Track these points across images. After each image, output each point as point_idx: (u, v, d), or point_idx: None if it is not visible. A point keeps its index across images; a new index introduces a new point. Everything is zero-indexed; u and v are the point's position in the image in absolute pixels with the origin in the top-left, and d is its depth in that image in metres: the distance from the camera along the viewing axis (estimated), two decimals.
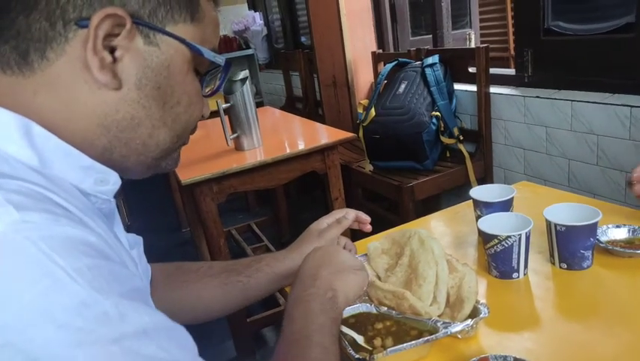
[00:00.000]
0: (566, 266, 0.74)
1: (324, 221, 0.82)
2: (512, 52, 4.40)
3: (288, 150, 1.66)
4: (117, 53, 0.43)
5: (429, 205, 2.34)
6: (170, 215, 3.19)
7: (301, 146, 1.70)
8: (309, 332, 0.56)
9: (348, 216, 0.83)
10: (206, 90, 0.53)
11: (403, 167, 2.09)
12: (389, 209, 2.24)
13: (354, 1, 2.55)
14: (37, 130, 0.42)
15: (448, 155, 2.14)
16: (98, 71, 0.43)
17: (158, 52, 0.45)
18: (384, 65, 2.39)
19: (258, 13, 4.08)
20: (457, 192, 2.26)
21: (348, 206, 1.82)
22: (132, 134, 0.47)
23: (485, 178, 2.09)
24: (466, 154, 2.04)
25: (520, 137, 1.93)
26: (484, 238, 0.74)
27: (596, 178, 1.68)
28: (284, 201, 2.70)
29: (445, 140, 2.07)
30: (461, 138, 2.06)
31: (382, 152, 2.11)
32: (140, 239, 0.67)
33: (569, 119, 1.72)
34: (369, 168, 2.18)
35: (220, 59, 0.50)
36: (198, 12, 0.47)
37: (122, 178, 0.50)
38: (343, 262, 0.66)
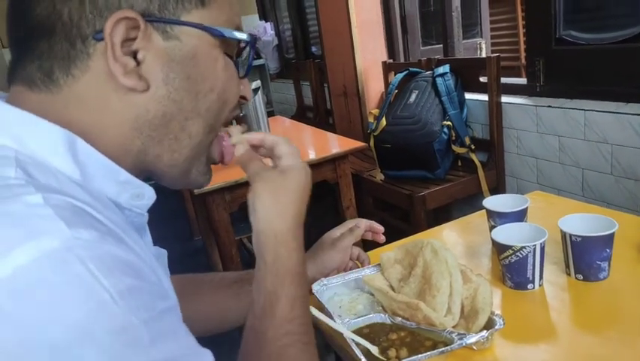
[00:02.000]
0: (582, 277, 0.73)
1: (337, 231, 0.82)
2: (523, 61, 4.39)
3: None
4: (139, 56, 0.44)
5: (440, 215, 2.33)
6: (182, 224, 3.21)
7: (312, 155, 1.70)
8: (291, 313, 0.54)
9: (360, 224, 0.83)
10: (242, 72, 0.52)
11: (415, 176, 2.09)
12: (400, 218, 2.23)
13: (364, 12, 2.56)
14: (80, 145, 0.43)
15: (459, 164, 2.14)
16: (123, 77, 0.43)
17: (180, 44, 0.45)
18: (395, 74, 2.39)
19: (269, 23, 4.12)
20: (469, 202, 2.25)
21: (360, 215, 1.82)
22: (164, 130, 0.47)
23: (497, 188, 2.08)
24: (478, 163, 2.03)
25: (532, 146, 1.92)
26: (499, 248, 0.74)
27: (610, 188, 1.67)
28: None
29: (457, 149, 2.07)
30: (473, 147, 2.06)
31: (393, 161, 2.12)
32: (164, 252, 0.68)
33: (582, 128, 1.70)
34: (380, 177, 2.18)
35: (243, 35, 0.49)
36: None
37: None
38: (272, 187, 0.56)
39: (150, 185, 0.51)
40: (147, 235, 0.56)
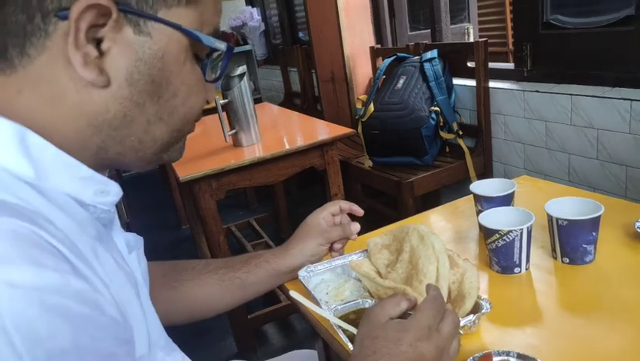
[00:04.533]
0: (568, 261, 0.73)
1: (320, 217, 0.80)
2: (511, 46, 4.39)
3: (286, 146, 1.65)
4: (104, 46, 0.40)
5: (428, 201, 2.33)
6: (169, 213, 3.18)
7: (300, 142, 1.69)
8: None
9: (342, 205, 0.81)
10: (211, 75, 0.49)
11: (403, 162, 2.08)
12: (388, 204, 2.23)
13: None
14: (33, 139, 0.40)
15: (447, 150, 2.14)
16: (82, 67, 0.39)
17: (150, 42, 0.41)
18: (383, 60, 2.38)
19: (255, 8, 4.06)
20: (456, 188, 2.25)
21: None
22: (126, 131, 0.44)
23: (485, 173, 2.08)
24: (466, 149, 2.03)
25: (519, 131, 1.92)
26: (485, 232, 0.74)
27: (596, 172, 1.68)
28: (283, 198, 2.69)
29: (445, 135, 2.06)
30: (460, 133, 2.06)
31: (381, 147, 2.11)
32: (140, 240, 0.66)
33: (568, 113, 1.71)
34: (368, 163, 2.17)
35: (221, 44, 0.46)
36: None
37: (119, 174, 0.48)
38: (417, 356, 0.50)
39: (131, 174, 0.48)
40: (116, 228, 0.53)
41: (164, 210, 3.32)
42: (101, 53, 0.40)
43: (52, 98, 0.41)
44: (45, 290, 0.32)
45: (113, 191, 0.47)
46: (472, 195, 0.89)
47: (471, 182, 2.11)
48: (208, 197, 1.57)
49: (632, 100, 1.50)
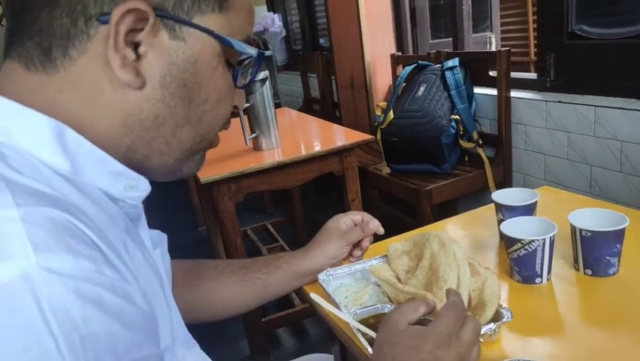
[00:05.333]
0: (590, 272, 0.72)
1: (341, 221, 0.80)
2: (533, 57, 4.35)
3: (305, 151, 1.66)
4: (141, 50, 0.42)
5: (446, 209, 2.32)
6: (187, 214, 3.22)
7: (319, 147, 1.70)
8: None
9: (366, 218, 0.81)
10: (242, 81, 0.50)
11: (421, 170, 2.08)
12: (406, 212, 2.22)
13: (374, 4, 2.54)
14: (70, 135, 0.42)
15: (466, 159, 2.13)
16: (120, 69, 0.41)
17: (185, 47, 0.43)
18: (403, 67, 2.38)
19: (276, 14, 4.10)
20: (475, 197, 2.24)
21: (365, 208, 1.82)
22: (155, 133, 0.45)
23: (504, 183, 2.06)
24: (485, 159, 2.02)
25: (540, 142, 1.90)
26: (507, 241, 0.73)
27: (619, 185, 1.65)
28: (300, 203, 2.70)
29: (464, 144, 2.05)
30: (480, 142, 2.04)
31: (400, 155, 2.11)
32: (164, 237, 0.67)
33: (591, 124, 1.69)
34: (386, 170, 2.17)
35: (252, 51, 0.47)
36: (228, 0, 0.45)
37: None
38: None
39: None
40: (143, 223, 0.55)
41: (181, 211, 3.36)
42: (138, 56, 0.42)
43: (90, 98, 0.43)
44: (80, 278, 0.33)
45: (142, 186, 0.48)
46: (492, 205, 0.88)
47: (490, 191, 2.10)
48: (227, 199, 1.59)
49: None
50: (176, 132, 0.46)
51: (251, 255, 2.22)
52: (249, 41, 0.48)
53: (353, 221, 0.81)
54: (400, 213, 2.26)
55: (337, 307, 0.69)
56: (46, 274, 0.32)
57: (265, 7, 4.31)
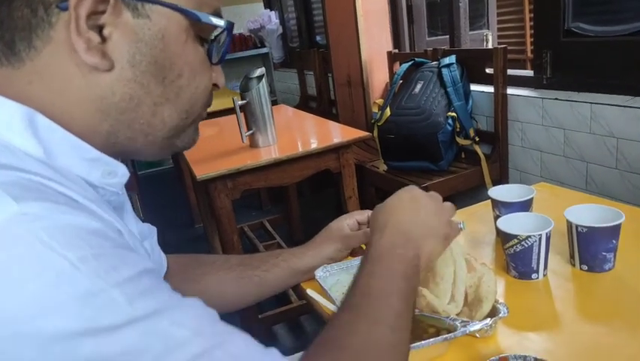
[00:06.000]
0: (586, 268, 0.73)
1: (345, 223, 0.80)
2: (529, 54, 4.35)
3: (302, 148, 1.66)
4: (105, 32, 0.41)
5: None
6: (183, 211, 3.21)
7: (315, 144, 1.70)
8: (389, 293, 0.51)
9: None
10: (216, 58, 0.49)
11: (418, 167, 2.08)
12: None
13: (370, 2, 2.54)
14: (41, 121, 0.41)
15: (463, 156, 2.13)
16: (85, 52, 0.41)
17: (150, 23, 0.42)
18: (400, 64, 2.38)
19: (273, 11, 4.09)
20: (471, 194, 2.24)
21: (362, 206, 1.82)
22: (133, 114, 0.45)
23: (500, 180, 2.07)
24: (482, 156, 2.02)
25: (537, 139, 1.91)
26: (504, 237, 0.73)
27: (615, 182, 1.66)
28: (296, 200, 2.70)
29: (461, 141, 2.05)
30: (477, 139, 2.04)
31: (397, 152, 2.11)
32: (153, 229, 0.67)
33: (588, 121, 1.69)
34: (383, 167, 2.17)
35: (220, 22, 0.46)
36: None
37: (135, 172, 0.49)
38: (434, 227, 0.60)
39: (146, 172, 0.49)
40: (128, 212, 0.55)
41: (178, 208, 3.36)
42: (104, 39, 0.41)
43: (61, 86, 0.42)
44: (68, 225, 0.35)
45: (120, 172, 0.48)
46: (488, 201, 0.89)
47: (486, 188, 2.10)
48: (224, 196, 1.58)
49: None
50: (157, 112, 0.46)
51: (248, 252, 2.21)
52: (217, 15, 0.47)
53: (358, 222, 0.80)
54: None
55: (334, 303, 0.69)
56: (32, 216, 0.33)
57: (262, 4, 4.30)
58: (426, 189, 1.94)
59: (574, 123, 1.74)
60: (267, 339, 1.91)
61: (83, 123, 0.44)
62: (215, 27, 0.47)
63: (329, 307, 0.66)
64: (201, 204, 2.65)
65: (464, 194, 2.24)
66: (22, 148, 0.40)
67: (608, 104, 1.61)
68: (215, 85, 0.51)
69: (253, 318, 1.80)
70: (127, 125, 0.45)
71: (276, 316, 1.85)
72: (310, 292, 0.67)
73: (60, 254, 0.33)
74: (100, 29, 0.41)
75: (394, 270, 0.53)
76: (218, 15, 0.47)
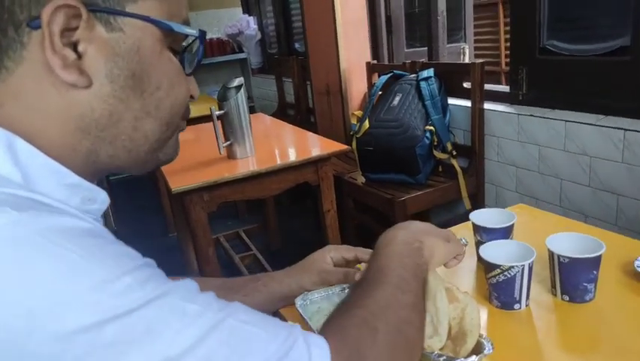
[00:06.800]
0: (567, 298, 0.73)
1: (329, 255, 0.76)
2: (504, 67, 4.45)
3: (280, 160, 1.64)
4: (80, 47, 0.40)
5: (419, 219, 2.32)
6: (157, 219, 3.14)
7: (294, 156, 1.67)
8: (394, 265, 0.58)
9: (361, 256, 0.77)
10: (189, 69, 0.49)
11: (395, 180, 2.08)
12: (379, 221, 2.22)
13: (350, 11, 2.54)
14: (21, 146, 0.40)
15: (440, 169, 2.14)
16: (62, 70, 0.40)
17: (124, 36, 0.42)
18: (379, 75, 2.38)
19: (252, 17, 4.06)
20: (447, 207, 2.26)
21: (340, 218, 1.80)
22: (114, 130, 0.44)
23: (477, 194, 2.09)
24: (459, 170, 2.04)
25: (512, 154, 1.93)
26: (486, 267, 0.73)
27: (587, 199, 1.69)
28: (273, 209, 2.67)
29: (438, 154, 2.07)
30: (454, 153, 2.06)
31: (375, 164, 2.10)
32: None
33: (562, 139, 1.72)
34: (361, 179, 2.17)
35: (192, 30, 0.46)
36: None
37: (107, 177, 0.49)
38: (435, 231, 0.68)
39: (119, 177, 0.48)
40: None
41: (151, 215, 3.28)
42: (79, 56, 0.40)
43: (37, 106, 0.41)
44: (65, 226, 0.36)
45: (100, 198, 0.46)
46: (468, 223, 0.88)
47: (462, 202, 2.11)
48: (199, 209, 1.54)
49: (625, 130, 1.52)
50: (138, 126, 0.45)
51: (223, 264, 2.17)
52: (187, 24, 0.47)
53: (344, 258, 0.77)
54: (374, 222, 2.25)
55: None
56: (32, 219, 0.35)
57: (240, 9, 4.26)
58: (404, 203, 1.94)
59: (548, 140, 1.77)
60: None
61: (62, 143, 0.42)
62: (187, 36, 0.47)
63: None
64: (176, 212, 2.59)
65: (441, 207, 2.26)
66: (0, 172, 0.39)
67: (582, 123, 1.65)
68: (190, 97, 0.51)
69: None
70: (108, 143, 0.44)
71: None
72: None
73: (67, 248, 0.34)
74: (74, 46, 0.40)
75: (397, 250, 0.61)
76: (187, 24, 0.47)
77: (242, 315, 0.41)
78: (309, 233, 2.78)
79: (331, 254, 0.76)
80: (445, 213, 2.29)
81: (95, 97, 0.42)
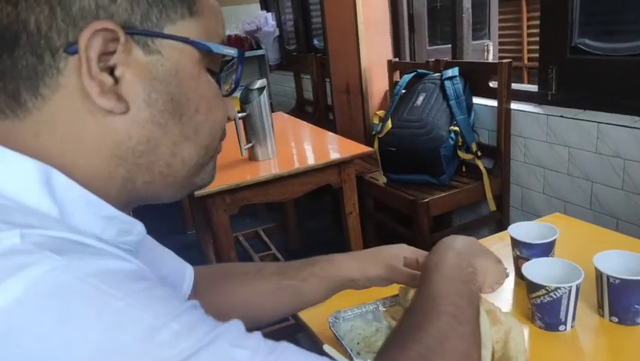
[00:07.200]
0: (617, 320, 0.69)
1: (403, 254, 0.71)
2: (526, 62, 4.35)
3: (303, 163, 1.61)
4: (117, 72, 0.39)
5: (442, 220, 2.29)
6: (175, 216, 3.14)
7: (317, 159, 1.65)
8: (448, 292, 0.54)
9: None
10: (225, 89, 0.48)
11: (418, 181, 2.04)
12: (399, 221, 2.18)
13: (371, 9, 2.49)
14: (58, 179, 0.38)
15: (463, 170, 2.09)
16: (99, 97, 0.38)
17: (162, 59, 0.40)
18: (400, 74, 2.33)
19: (270, 13, 4.02)
20: (470, 208, 2.21)
21: (360, 218, 1.77)
22: (152, 157, 0.42)
23: (502, 195, 2.04)
24: (484, 171, 1.99)
25: (540, 155, 1.88)
26: (530, 286, 0.69)
27: (620, 203, 1.63)
28: (292, 208, 2.65)
29: (463, 155, 2.02)
30: (479, 154, 2.01)
31: (397, 165, 2.06)
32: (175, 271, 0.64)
33: (594, 140, 1.66)
34: (382, 180, 2.13)
35: (232, 51, 0.44)
36: (196, 4, 0.42)
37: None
38: (485, 251, 0.66)
39: None
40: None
41: (169, 213, 3.28)
42: (116, 80, 0.39)
43: (72, 135, 0.39)
44: (107, 269, 0.34)
45: (137, 230, 0.45)
46: (502, 233, 0.85)
47: (487, 203, 2.06)
48: (221, 212, 1.53)
49: None
50: (176, 152, 0.43)
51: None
52: (224, 44, 0.45)
53: (418, 261, 0.70)
54: (394, 222, 2.21)
55: (350, 358, 0.64)
56: (76, 263, 0.33)
57: (259, 5, 4.23)
58: (427, 204, 1.90)
59: (579, 142, 1.71)
60: None
61: (97, 172, 0.41)
62: (225, 57, 0.45)
63: None
64: (195, 210, 2.59)
65: (465, 208, 2.21)
66: (38, 208, 0.37)
67: (615, 125, 1.59)
68: (228, 118, 0.48)
69: None
70: (145, 169, 0.42)
71: (271, 334, 1.79)
72: (327, 348, 0.61)
73: (112, 295, 0.32)
74: (111, 70, 0.39)
75: (451, 275, 0.57)
76: (225, 44, 0.45)
77: (291, 357, 0.39)
78: (329, 233, 2.76)
79: (406, 253, 0.71)
80: (469, 214, 2.24)
81: (132, 123, 0.40)
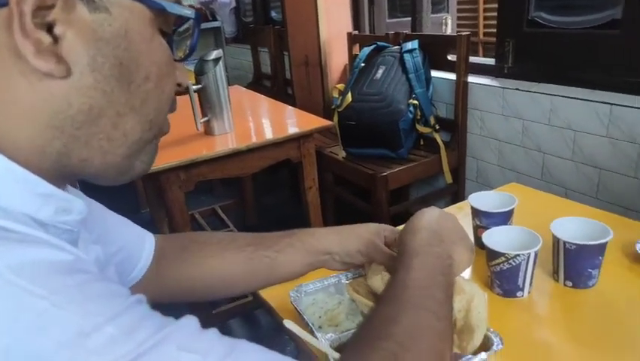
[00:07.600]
0: (571, 284, 0.71)
1: (383, 232, 0.67)
2: (481, 36, 4.41)
3: (261, 138, 1.57)
4: (57, 30, 0.34)
5: (400, 193, 2.31)
6: (128, 194, 3.02)
7: (275, 133, 1.61)
8: (428, 285, 0.50)
9: None
10: (179, 53, 0.43)
11: (376, 154, 2.04)
12: (358, 195, 2.18)
13: None
14: None
15: (421, 143, 2.10)
16: (35, 57, 0.33)
17: (110, 18, 0.36)
18: (360, 47, 2.30)
19: None
20: (427, 181, 2.24)
21: (319, 192, 1.75)
22: (93, 128, 0.37)
23: (458, 168, 2.07)
24: (442, 144, 2.01)
25: (495, 128, 1.91)
26: (490, 254, 0.70)
27: (569, 173, 1.69)
28: (250, 184, 2.60)
29: (421, 128, 2.03)
30: (437, 127, 2.02)
31: (356, 139, 2.05)
32: (116, 248, 0.59)
33: (547, 113, 1.70)
34: (342, 154, 2.12)
35: (188, 11, 0.41)
36: None
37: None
38: (463, 237, 0.60)
39: None
40: (83, 246, 0.46)
41: (122, 191, 3.15)
42: (55, 40, 0.34)
43: (1, 100, 0.34)
44: (34, 260, 0.30)
45: (77, 209, 0.40)
46: (462, 203, 0.85)
47: (443, 176, 2.08)
48: (176, 188, 1.47)
49: (612, 104, 1.51)
50: (119, 123, 0.38)
51: None
52: (179, 3, 0.41)
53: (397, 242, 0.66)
54: (353, 196, 2.21)
55: (311, 332, 0.62)
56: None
57: None
58: (385, 178, 1.90)
59: (533, 114, 1.75)
60: (222, 334, 1.83)
61: (30, 144, 0.36)
62: (181, 18, 0.41)
63: (309, 341, 0.59)
64: (148, 188, 2.50)
65: (422, 181, 2.24)
66: None
67: (568, 97, 1.63)
68: (178, 84, 0.44)
69: (207, 314, 1.72)
70: (83, 143, 0.38)
71: (230, 311, 1.78)
72: (287, 323, 0.60)
73: (34, 293, 0.28)
74: (49, 28, 0.34)
75: (431, 264, 0.53)
76: (180, 3, 0.41)
77: (248, 358, 0.36)
78: (287, 208, 2.73)
79: (386, 233, 0.67)
80: (426, 187, 2.27)
81: (73, 89, 0.35)
